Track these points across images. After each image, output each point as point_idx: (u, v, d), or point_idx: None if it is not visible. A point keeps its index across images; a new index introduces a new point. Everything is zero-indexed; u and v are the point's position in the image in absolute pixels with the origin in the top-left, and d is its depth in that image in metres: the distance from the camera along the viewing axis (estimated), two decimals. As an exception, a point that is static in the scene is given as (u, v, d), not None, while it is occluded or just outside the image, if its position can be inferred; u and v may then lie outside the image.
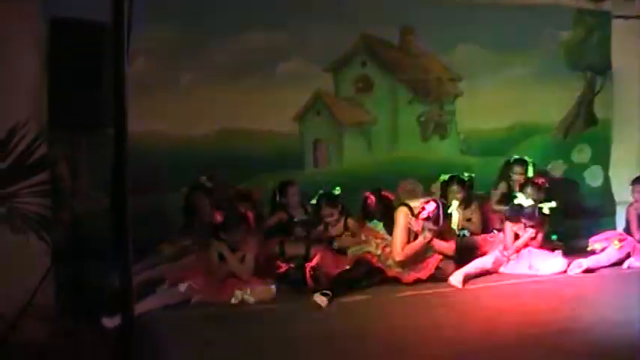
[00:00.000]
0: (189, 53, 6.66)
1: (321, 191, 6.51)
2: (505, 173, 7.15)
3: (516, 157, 7.18)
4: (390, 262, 5.72)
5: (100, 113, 4.52)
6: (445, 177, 6.88)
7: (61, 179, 5.32)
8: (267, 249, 5.88)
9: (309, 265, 5.64)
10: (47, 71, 4.63)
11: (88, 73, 4.62)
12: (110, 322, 4.52)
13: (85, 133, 5.23)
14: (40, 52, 4.91)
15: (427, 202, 5.78)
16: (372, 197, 6.51)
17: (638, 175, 6.68)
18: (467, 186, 6.75)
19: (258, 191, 6.58)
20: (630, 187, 6.57)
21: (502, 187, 7.05)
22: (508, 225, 6.19)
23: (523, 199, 6.23)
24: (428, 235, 5.71)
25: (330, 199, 6.39)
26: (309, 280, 5.54)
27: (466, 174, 6.94)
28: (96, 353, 3.94)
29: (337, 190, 6.45)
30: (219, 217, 5.42)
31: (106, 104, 4.69)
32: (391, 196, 6.52)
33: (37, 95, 5.04)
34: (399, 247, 5.73)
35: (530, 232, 6.15)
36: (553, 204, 6.27)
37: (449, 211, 5.96)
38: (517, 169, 7.00)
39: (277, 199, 6.57)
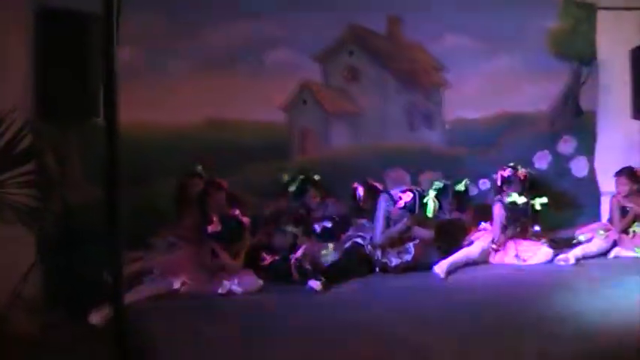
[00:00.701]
0: (177, 43, 6.64)
1: (301, 176, 6.50)
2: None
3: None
4: (378, 252, 5.74)
5: (88, 103, 4.50)
6: (440, 184, 6.82)
7: (48, 170, 5.28)
8: (253, 240, 5.86)
9: (294, 257, 5.64)
10: (34, 61, 4.60)
11: (76, 63, 4.60)
12: (96, 317, 4.51)
13: (72, 123, 5.20)
14: (26, 42, 4.88)
15: (404, 191, 6.00)
16: (361, 189, 6.53)
17: (622, 167, 6.68)
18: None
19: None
20: (614, 179, 6.58)
21: None
22: (497, 216, 6.20)
23: (516, 197, 6.27)
24: (406, 222, 5.89)
25: (314, 182, 6.48)
26: (293, 272, 5.55)
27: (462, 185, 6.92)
28: (85, 345, 3.93)
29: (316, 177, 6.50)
30: (216, 227, 5.37)
31: (94, 94, 4.69)
32: (379, 186, 6.53)
33: (23, 85, 5.01)
34: (378, 231, 5.92)
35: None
36: (544, 199, 6.32)
37: (424, 201, 6.02)
38: None
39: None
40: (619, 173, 6.56)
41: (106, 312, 4.30)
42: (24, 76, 5.08)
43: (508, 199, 6.31)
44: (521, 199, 6.23)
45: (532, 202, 6.26)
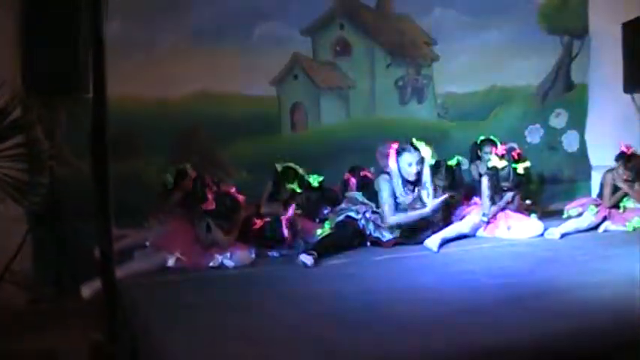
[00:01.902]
0: (166, 16, 6.58)
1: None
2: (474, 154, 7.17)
3: (482, 137, 7.15)
4: (370, 226, 5.74)
5: (77, 78, 4.48)
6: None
7: (37, 143, 5.25)
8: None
9: (284, 218, 5.62)
10: (22, 35, 4.57)
11: (64, 38, 4.57)
12: (87, 290, 4.50)
13: (61, 97, 5.17)
14: (14, 16, 4.84)
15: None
16: (353, 180, 6.54)
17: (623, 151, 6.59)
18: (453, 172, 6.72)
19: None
20: (619, 161, 6.48)
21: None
22: (484, 187, 6.20)
23: (496, 161, 6.25)
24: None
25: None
26: (285, 232, 5.53)
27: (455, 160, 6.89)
28: (76, 319, 3.93)
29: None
30: (211, 204, 5.34)
31: (82, 68, 4.66)
32: (371, 176, 6.51)
33: (11, 59, 4.97)
34: (389, 212, 5.72)
35: (508, 196, 6.19)
36: (527, 163, 6.32)
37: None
38: (486, 149, 6.96)
39: None
40: (630, 158, 6.45)
41: (96, 286, 4.29)
42: (12, 50, 5.05)
43: (488, 164, 6.30)
44: (501, 163, 6.20)
45: (514, 165, 6.21)
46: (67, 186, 5.35)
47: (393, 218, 5.71)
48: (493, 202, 6.18)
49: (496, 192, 6.19)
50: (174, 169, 6.15)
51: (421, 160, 5.80)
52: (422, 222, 5.83)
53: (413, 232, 5.79)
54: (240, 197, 5.47)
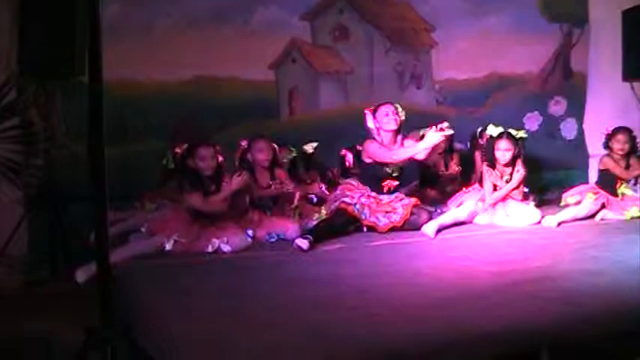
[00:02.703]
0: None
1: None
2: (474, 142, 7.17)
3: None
4: (366, 210, 5.73)
5: (73, 61, 4.45)
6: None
7: (33, 125, 5.23)
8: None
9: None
10: (18, 17, 4.54)
11: (60, 20, 4.54)
12: (82, 275, 4.49)
13: (57, 79, 5.15)
14: (10, -2, 4.81)
15: None
16: (350, 154, 6.54)
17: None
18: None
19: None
20: (613, 137, 6.47)
21: None
22: (486, 175, 6.18)
23: (492, 129, 6.26)
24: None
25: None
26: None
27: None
28: (71, 303, 3.92)
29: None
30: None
31: (79, 52, 4.63)
32: None
33: (7, 41, 4.94)
34: None
35: (517, 178, 6.16)
36: (522, 133, 6.32)
37: None
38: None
39: None
40: (620, 130, 6.46)
41: (92, 270, 4.28)
42: (8, 32, 5.01)
43: (485, 132, 6.32)
44: (496, 130, 6.21)
45: (509, 131, 6.24)
46: (62, 169, 5.33)
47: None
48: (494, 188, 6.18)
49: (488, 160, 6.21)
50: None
51: (396, 111, 5.87)
52: None
53: None
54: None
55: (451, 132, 5.82)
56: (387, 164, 5.80)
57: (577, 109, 8.42)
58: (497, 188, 6.16)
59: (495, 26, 8.08)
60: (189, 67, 6.72)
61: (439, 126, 5.60)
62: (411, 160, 5.90)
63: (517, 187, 6.19)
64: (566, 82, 8.48)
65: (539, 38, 8.29)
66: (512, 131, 6.25)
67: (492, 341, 3.20)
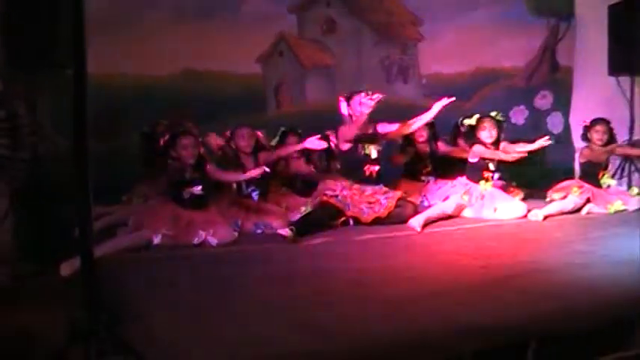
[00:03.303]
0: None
1: (282, 128, 6.52)
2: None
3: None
4: (349, 202, 5.74)
5: (59, 54, 4.42)
6: None
7: (18, 118, 5.19)
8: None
9: None
10: (3, 8, 4.49)
11: (47, 12, 4.51)
12: (67, 268, 4.47)
13: (43, 72, 5.11)
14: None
15: None
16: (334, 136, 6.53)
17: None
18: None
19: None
20: (592, 128, 6.54)
21: None
22: (479, 150, 6.25)
23: (473, 119, 6.42)
24: None
25: (293, 131, 6.51)
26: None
27: None
28: (55, 296, 3.91)
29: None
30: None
31: (64, 44, 4.60)
32: None
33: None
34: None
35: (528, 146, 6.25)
36: (500, 116, 6.39)
37: None
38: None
39: None
40: (598, 121, 6.51)
41: (77, 264, 4.26)
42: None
43: (463, 122, 6.40)
44: (472, 120, 6.36)
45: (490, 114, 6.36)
46: (49, 162, 5.29)
47: None
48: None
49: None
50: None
51: (370, 97, 5.87)
52: None
53: None
54: None
55: (453, 99, 5.96)
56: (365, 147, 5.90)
57: (563, 103, 8.47)
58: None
59: (482, 20, 8.09)
60: (176, 60, 6.70)
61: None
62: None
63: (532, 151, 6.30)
64: (553, 76, 8.51)
65: (526, 32, 8.31)
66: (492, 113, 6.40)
67: (480, 334, 3.22)
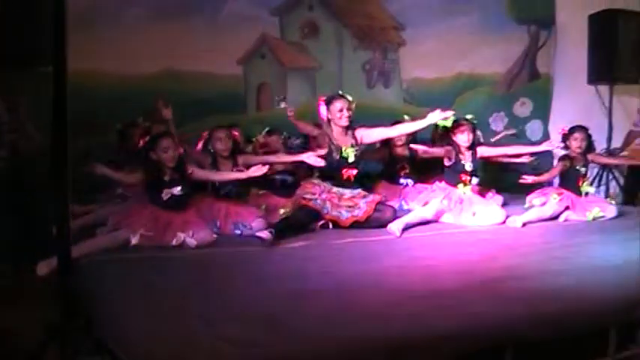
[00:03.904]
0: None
1: (267, 128, 6.49)
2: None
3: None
4: (327, 205, 5.74)
5: (39, 51, 4.38)
6: None
7: (-2, 116, 5.16)
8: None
9: None
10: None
11: (26, 10, 4.47)
12: (43, 268, 4.43)
13: (23, 70, 5.07)
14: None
15: None
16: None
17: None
18: None
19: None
20: (571, 135, 6.58)
21: None
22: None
23: (448, 121, 6.37)
24: None
25: (278, 131, 6.51)
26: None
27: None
28: (33, 296, 3.88)
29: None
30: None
31: (45, 41, 4.56)
32: None
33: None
34: None
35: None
36: (473, 118, 6.43)
37: None
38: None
39: None
40: (576, 129, 6.56)
41: (54, 263, 4.23)
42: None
43: (440, 124, 6.40)
44: (449, 121, 6.31)
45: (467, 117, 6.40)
46: (28, 161, 5.26)
47: None
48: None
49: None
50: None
51: (349, 107, 5.93)
52: None
53: None
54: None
55: (452, 112, 6.00)
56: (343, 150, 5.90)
57: (542, 111, 8.52)
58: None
59: (464, 27, 8.13)
60: (156, 59, 6.67)
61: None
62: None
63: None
64: (533, 84, 8.56)
65: (507, 40, 8.37)
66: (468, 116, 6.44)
67: (457, 340, 3.23)
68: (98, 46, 6.12)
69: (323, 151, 5.83)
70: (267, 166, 5.48)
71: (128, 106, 6.44)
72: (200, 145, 5.94)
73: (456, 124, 6.33)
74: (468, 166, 6.29)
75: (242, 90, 7.24)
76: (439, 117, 5.88)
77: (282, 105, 5.69)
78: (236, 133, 5.97)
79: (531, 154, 6.49)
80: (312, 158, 5.77)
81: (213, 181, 5.72)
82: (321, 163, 5.75)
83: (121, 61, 6.43)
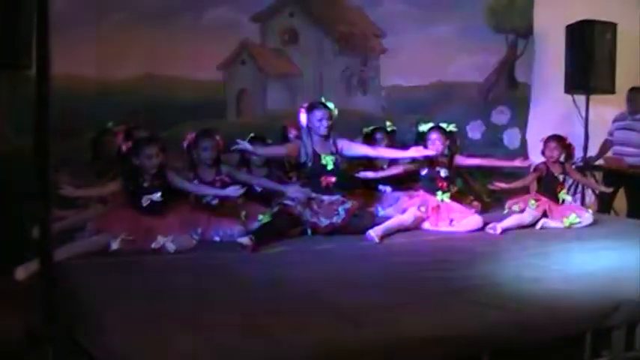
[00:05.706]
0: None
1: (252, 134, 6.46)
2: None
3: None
4: (307, 212, 5.75)
5: (20, 54, 4.36)
6: (369, 130, 7.05)
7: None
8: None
9: None
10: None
11: (7, 12, 4.45)
12: (22, 272, 4.41)
13: (4, 73, 5.05)
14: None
15: None
16: (294, 130, 6.54)
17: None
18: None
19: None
20: (545, 144, 6.66)
21: None
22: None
23: (422, 126, 6.50)
24: None
25: (262, 138, 6.45)
26: None
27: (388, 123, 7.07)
28: (11, 300, 3.86)
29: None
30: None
31: (26, 45, 4.55)
32: None
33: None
34: None
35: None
36: (453, 126, 6.47)
37: None
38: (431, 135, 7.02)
39: None
40: (552, 138, 6.63)
41: (32, 268, 4.21)
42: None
43: (419, 128, 6.50)
44: (426, 126, 6.44)
45: (440, 125, 6.47)
46: (7, 164, 5.23)
47: None
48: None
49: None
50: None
51: (330, 116, 5.96)
52: None
53: None
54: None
55: (433, 153, 6.26)
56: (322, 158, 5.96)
57: (520, 119, 8.59)
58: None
59: (443, 34, 8.18)
60: (136, 64, 6.65)
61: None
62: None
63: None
64: (510, 93, 8.63)
65: (485, 48, 8.43)
66: (443, 125, 6.48)
67: (433, 346, 3.25)
68: (79, 49, 6.09)
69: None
70: (244, 188, 5.48)
71: (106, 110, 6.41)
72: (185, 147, 5.92)
73: (430, 130, 6.40)
74: (443, 173, 6.35)
75: (222, 95, 7.23)
76: (421, 154, 6.14)
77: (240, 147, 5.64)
78: (220, 142, 5.95)
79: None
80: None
81: (190, 192, 5.68)
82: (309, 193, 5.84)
83: (100, 65, 6.40)
